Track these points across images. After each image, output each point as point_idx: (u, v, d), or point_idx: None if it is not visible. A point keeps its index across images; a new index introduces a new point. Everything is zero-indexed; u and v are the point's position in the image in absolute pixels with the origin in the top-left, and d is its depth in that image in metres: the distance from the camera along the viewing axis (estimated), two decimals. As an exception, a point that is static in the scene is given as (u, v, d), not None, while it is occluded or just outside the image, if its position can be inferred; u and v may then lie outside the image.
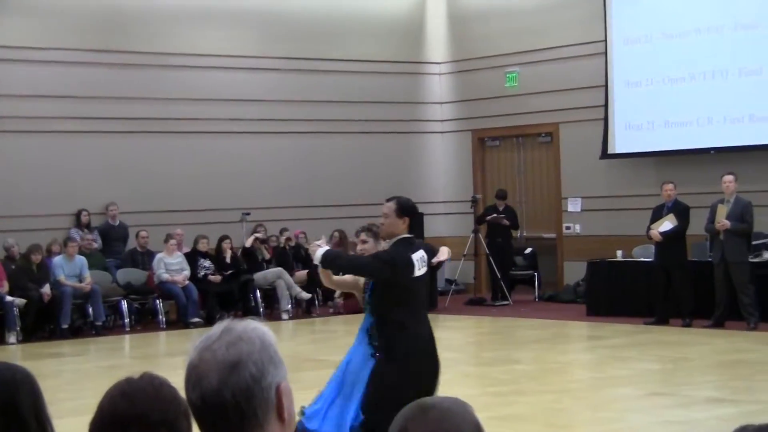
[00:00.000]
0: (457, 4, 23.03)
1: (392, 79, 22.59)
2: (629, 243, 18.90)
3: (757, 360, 13.52)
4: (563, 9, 21.43)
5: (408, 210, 7.75)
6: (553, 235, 21.73)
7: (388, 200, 7.96)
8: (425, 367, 7.47)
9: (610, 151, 20.51)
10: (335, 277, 8.04)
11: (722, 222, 15.94)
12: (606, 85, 20.43)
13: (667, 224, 16.72)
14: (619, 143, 20.44)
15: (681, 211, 16.79)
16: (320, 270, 7.82)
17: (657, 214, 17.00)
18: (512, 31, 21.87)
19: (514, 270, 20.54)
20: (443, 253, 7.85)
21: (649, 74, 19.99)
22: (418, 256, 7.46)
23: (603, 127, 20.47)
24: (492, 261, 20.15)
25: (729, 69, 18.96)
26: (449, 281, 21.34)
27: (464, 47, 22.90)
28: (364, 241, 8.03)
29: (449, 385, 11.83)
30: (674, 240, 16.64)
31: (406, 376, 7.28)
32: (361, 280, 7.77)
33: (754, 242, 16.81)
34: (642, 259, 17.97)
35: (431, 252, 7.76)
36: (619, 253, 18.69)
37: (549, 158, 22.08)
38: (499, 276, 20.05)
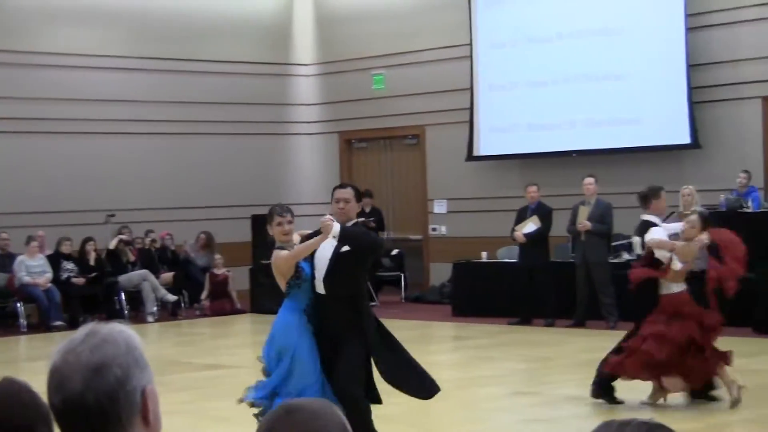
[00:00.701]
0: (324, 6, 23.05)
1: (259, 80, 22.51)
2: (494, 244, 19.11)
3: None
4: (430, 13, 21.59)
5: (362, 194, 8.05)
6: (419, 237, 21.87)
7: (341, 186, 8.18)
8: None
9: (475, 153, 20.73)
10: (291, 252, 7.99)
11: (583, 223, 16.24)
12: (471, 89, 20.64)
13: (530, 226, 16.95)
14: (484, 146, 20.66)
15: (544, 213, 17.04)
16: (293, 253, 7.81)
17: (521, 216, 17.23)
18: (379, 33, 21.99)
19: (381, 271, 20.60)
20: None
21: (514, 78, 20.22)
22: None
23: (468, 129, 20.70)
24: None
25: (591, 73, 19.31)
26: (316, 283, 21.32)
27: (331, 49, 22.93)
28: (290, 222, 8.05)
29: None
30: (537, 241, 16.87)
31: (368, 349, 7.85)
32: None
33: (614, 243, 17.14)
34: (506, 260, 18.19)
35: None
36: (483, 254, 18.90)
37: (415, 160, 22.21)
38: (367, 277, 20.06)
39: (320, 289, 7.88)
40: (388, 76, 22.24)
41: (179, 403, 10.41)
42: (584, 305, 16.46)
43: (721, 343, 14.34)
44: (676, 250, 10.17)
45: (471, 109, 20.64)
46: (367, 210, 20.64)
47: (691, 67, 18.15)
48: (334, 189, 8.23)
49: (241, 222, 20.67)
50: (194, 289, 19.77)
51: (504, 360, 13.89)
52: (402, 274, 21.12)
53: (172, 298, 18.94)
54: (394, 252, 21.34)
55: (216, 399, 11.23)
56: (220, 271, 19.58)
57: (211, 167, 21.57)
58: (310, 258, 7.87)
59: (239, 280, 19.96)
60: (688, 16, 18.16)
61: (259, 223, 20.30)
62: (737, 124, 18.23)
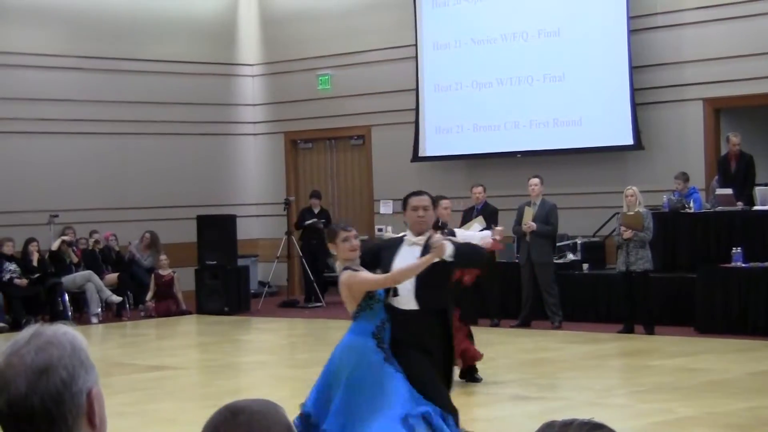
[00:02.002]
0: (269, 6, 23.06)
1: (204, 80, 22.46)
2: (440, 245, 19.13)
3: (561, 358, 13.94)
4: (375, 13, 21.67)
5: (435, 201, 7.60)
6: (365, 237, 21.88)
7: (418, 193, 7.61)
8: None
9: (420, 154, 20.83)
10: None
11: (528, 224, 16.35)
12: (417, 89, 20.74)
13: (476, 226, 16.98)
14: (430, 146, 20.77)
15: (490, 214, 17.10)
16: (393, 277, 7.21)
17: (467, 217, 17.29)
18: (325, 34, 22.03)
19: (327, 272, 20.63)
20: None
21: (459, 79, 20.34)
22: None
23: (414, 130, 20.80)
24: (305, 263, 20.23)
25: (534, 75, 19.46)
26: (262, 283, 21.36)
27: (277, 49, 22.94)
28: (356, 237, 7.48)
29: (260, 388, 11.85)
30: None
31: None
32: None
33: (558, 243, 17.33)
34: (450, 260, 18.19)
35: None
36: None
37: (361, 161, 22.31)
38: (313, 278, 20.14)
39: (409, 305, 7.31)
40: (333, 77, 22.28)
41: (124, 405, 10.39)
42: (529, 305, 16.58)
43: (665, 342, 14.62)
44: None
45: (416, 109, 20.75)
46: (316, 211, 20.72)
47: (634, 68, 18.34)
48: (410, 196, 7.53)
49: (186, 222, 20.63)
50: (139, 290, 19.68)
51: None
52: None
53: (116, 299, 18.83)
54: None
55: (161, 400, 11.24)
56: (165, 271, 19.50)
57: (156, 168, 21.50)
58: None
59: (185, 280, 19.90)
60: (631, 18, 18.36)
61: (205, 224, 20.42)
62: (679, 125, 18.46)
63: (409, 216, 7.38)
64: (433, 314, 7.35)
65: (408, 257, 7.24)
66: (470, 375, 11.80)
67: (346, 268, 7.19)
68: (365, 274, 7.18)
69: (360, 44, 21.74)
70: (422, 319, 7.30)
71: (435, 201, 7.94)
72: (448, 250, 7.08)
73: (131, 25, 21.38)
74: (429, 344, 7.28)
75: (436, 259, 7.01)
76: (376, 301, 7.17)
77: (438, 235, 7.42)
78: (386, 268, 7.28)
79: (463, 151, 20.43)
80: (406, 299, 7.27)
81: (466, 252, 7.43)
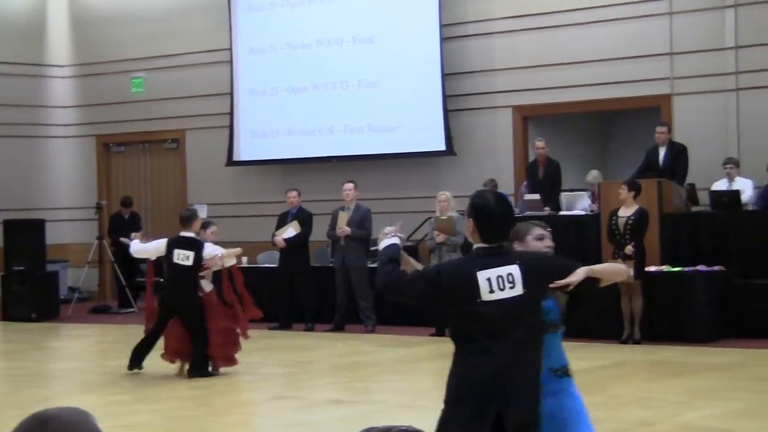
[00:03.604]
0: (79, 6, 22.60)
1: (12, 81, 21.87)
2: (255, 249, 19.11)
3: (375, 362, 14.03)
4: (189, 16, 21.49)
5: (474, 210, 5.46)
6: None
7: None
8: None
9: (235, 158, 20.76)
10: None
11: (343, 228, 16.44)
12: (231, 93, 20.67)
13: (290, 231, 17.04)
14: (245, 151, 20.71)
15: (304, 218, 17.17)
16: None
17: (282, 221, 17.33)
18: (138, 36, 21.75)
19: (140, 277, 20.31)
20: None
21: (274, 83, 20.34)
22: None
23: (229, 134, 20.72)
24: (117, 268, 19.88)
25: (349, 80, 19.59)
26: (72, 289, 20.89)
27: (89, 51, 22.51)
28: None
29: (70, 396, 11.57)
30: (298, 246, 16.98)
31: None
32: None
33: (372, 248, 17.41)
34: (266, 265, 18.24)
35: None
36: (244, 259, 18.86)
37: (175, 165, 22.08)
38: (125, 283, 19.81)
39: None
40: (147, 80, 22.03)
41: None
42: (343, 309, 16.65)
43: None
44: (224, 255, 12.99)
45: (231, 113, 20.68)
46: (126, 217, 20.34)
47: (446, 76, 18.62)
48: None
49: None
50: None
51: (264, 365, 13.91)
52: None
53: None
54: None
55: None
56: (-31, 278, 18.93)
57: (-39, 170, 20.86)
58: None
59: (-10, 287, 19.37)
60: (443, 26, 18.63)
61: (12, 229, 19.85)
62: (490, 132, 18.81)
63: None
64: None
65: None
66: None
67: None
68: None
69: (174, 47, 21.53)
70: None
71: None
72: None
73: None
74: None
75: None
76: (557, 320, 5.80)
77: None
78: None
79: (278, 155, 20.43)
80: None
81: None
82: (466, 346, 5.31)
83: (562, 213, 16.64)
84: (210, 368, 12.58)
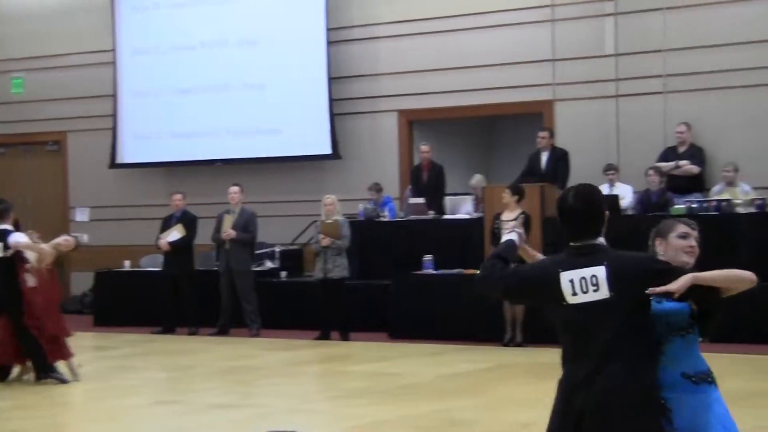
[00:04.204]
0: (-41, 4, 22.13)
1: None
2: (138, 252, 18.98)
3: (259, 365, 13.98)
4: (72, 17, 21.23)
5: (557, 208, 5.18)
6: (60, 245, 21.36)
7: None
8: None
9: (118, 160, 20.56)
10: None
11: (228, 232, 16.37)
12: (114, 95, 20.46)
13: (174, 234, 16.92)
14: (128, 153, 20.51)
15: (189, 221, 17.06)
16: None
17: (166, 224, 17.18)
18: (18, 35, 21.44)
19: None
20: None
21: (158, 85, 20.19)
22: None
23: (112, 136, 20.48)
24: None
25: (234, 83, 19.55)
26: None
27: (-33, 50, 22.05)
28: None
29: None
30: (182, 249, 16.88)
31: None
32: None
33: (257, 251, 17.43)
34: (150, 269, 18.11)
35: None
36: (126, 263, 18.71)
37: (56, 167, 21.77)
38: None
39: None
40: (27, 80, 21.71)
41: None
42: (228, 313, 16.60)
43: (360, 348, 14.88)
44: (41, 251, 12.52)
45: (114, 115, 20.46)
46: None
47: (332, 80, 18.70)
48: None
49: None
50: None
51: (146, 370, 13.80)
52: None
53: None
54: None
55: None
56: None
57: None
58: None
59: None
60: (329, 30, 18.69)
61: None
62: (375, 136, 18.94)
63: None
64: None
65: None
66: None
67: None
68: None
69: (56, 47, 21.24)
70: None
71: None
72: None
73: None
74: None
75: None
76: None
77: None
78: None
79: (163, 158, 20.27)
80: None
81: None
82: (562, 350, 5.00)
83: (446, 217, 16.82)
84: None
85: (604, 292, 4.78)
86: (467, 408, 10.39)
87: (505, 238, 5.21)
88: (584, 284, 4.81)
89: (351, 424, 9.80)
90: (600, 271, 4.79)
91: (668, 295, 4.73)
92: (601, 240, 4.92)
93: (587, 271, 4.81)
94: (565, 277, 4.83)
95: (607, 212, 4.97)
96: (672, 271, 4.77)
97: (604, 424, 4.77)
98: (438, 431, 9.43)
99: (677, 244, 5.23)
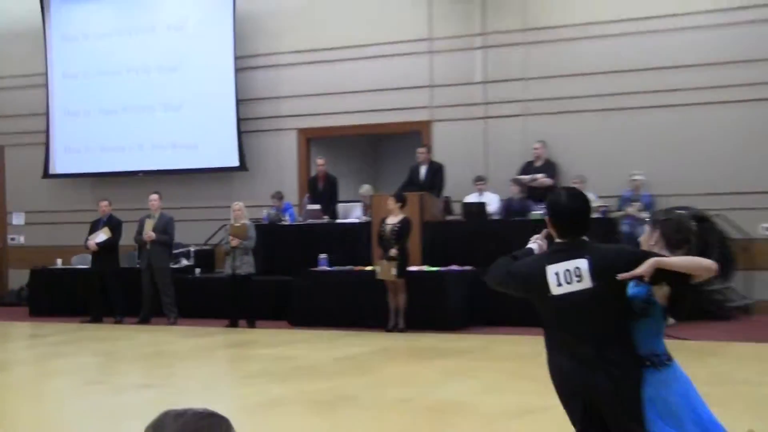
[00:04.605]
0: None
1: None
2: (69, 252, 18.71)
3: (176, 350, 13.84)
4: (6, 42, 20.86)
5: (548, 207, 4.96)
6: (-1, 246, 21.00)
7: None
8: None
9: (51, 171, 20.22)
10: None
11: (149, 234, 16.25)
12: (47, 113, 20.12)
13: (101, 236, 16.73)
14: (60, 165, 20.19)
15: (114, 225, 16.85)
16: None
17: (94, 227, 16.97)
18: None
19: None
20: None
21: (87, 105, 19.89)
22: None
23: (45, 150, 20.17)
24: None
25: (154, 104, 19.33)
26: None
27: None
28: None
29: None
30: (108, 249, 16.68)
31: None
32: None
33: (174, 251, 17.25)
34: (80, 266, 17.84)
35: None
36: (59, 261, 18.47)
37: (-5, 176, 21.32)
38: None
39: None
40: (-31, 99, 21.24)
41: None
42: (149, 305, 16.44)
43: (265, 334, 14.82)
44: None
45: (47, 131, 20.13)
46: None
47: (240, 101, 18.61)
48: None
49: None
50: None
51: (76, 355, 13.57)
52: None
53: None
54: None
55: None
56: None
57: None
58: None
59: None
60: (237, 58, 18.60)
61: None
62: (277, 151, 18.86)
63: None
64: None
65: None
66: None
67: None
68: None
69: None
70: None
71: None
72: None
73: None
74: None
75: None
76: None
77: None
78: None
79: (91, 169, 19.96)
80: None
81: None
82: (548, 337, 4.82)
83: (338, 221, 16.84)
84: None
85: (586, 283, 4.61)
86: (356, 385, 10.34)
87: (529, 245, 4.98)
88: (568, 276, 4.64)
89: (255, 400, 9.75)
90: (583, 263, 4.63)
91: (640, 280, 4.52)
92: (586, 237, 4.76)
93: (571, 264, 4.65)
94: (551, 270, 4.67)
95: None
96: (645, 256, 4.56)
97: (617, 398, 4.57)
98: (329, 405, 9.39)
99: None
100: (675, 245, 4.71)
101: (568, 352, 4.68)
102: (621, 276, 4.50)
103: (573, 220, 4.76)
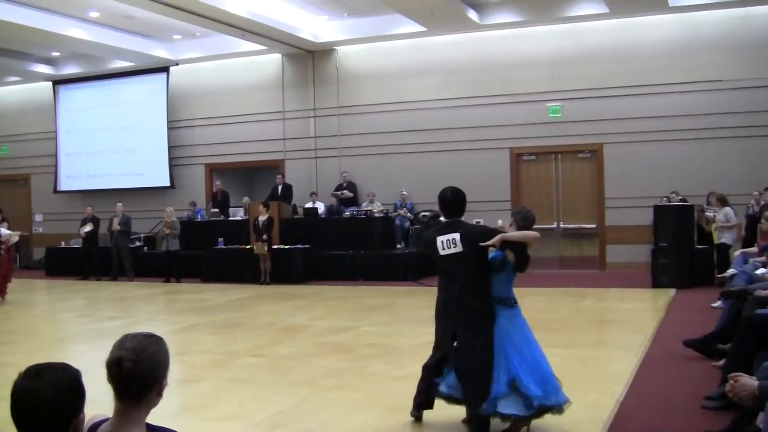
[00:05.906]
0: None
1: None
2: (69, 237, 17.79)
3: (133, 296, 12.87)
4: (32, 112, 19.74)
5: (438, 198, 4.66)
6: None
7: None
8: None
9: (58, 189, 19.30)
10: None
11: (115, 227, 15.57)
12: (56, 154, 19.19)
13: (88, 227, 15.97)
14: (63, 185, 19.28)
15: (95, 221, 16.11)
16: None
17: (83, 222, 16.11)
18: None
19: None
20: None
21: (79, 150, 18.86)
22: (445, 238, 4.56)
23: (54, 175, 19.24)
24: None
25: (120, 148, 18.48)
26: None
27: None
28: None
29: None
30: (92, 235, 15.94)
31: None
32: None
33: (132, 236, 16.34)
34: (76, 246, 16.84)
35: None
36: (62, 243, 17.65)
37: (25, 195, 20.37)
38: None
39: None
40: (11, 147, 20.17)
41: None
42: (116, 269, 15.59)
43: (184, 287, 13.76)
44: None
45: (56, 165, 19.25)
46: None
47: (171, 147, 18.01)
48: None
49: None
50: None
51: (73, 299, 12.56)
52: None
53: None
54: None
55: None
56: None
57: None
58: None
59: None
60: (169, 120, 17.95)
61: None
62: (192, 176, 18.04)
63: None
64: None
65: None
66: None
67: None
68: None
69: (22, 129, 19.98)
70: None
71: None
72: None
73: None
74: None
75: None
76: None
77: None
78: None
79: (81, 188, 18.94)
80: None
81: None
82: (438, 281, 4.62)
83: (230, 218, 16.08)
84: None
85: (459, 248, 4.47)
86: (243, 317, 9.82)
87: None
88: (448, 243, 4.47)
89: (181, 326, 9.26)
90: (457, 236, 4.48)
91: (493, 247, 4.43)
92: (462, 218, 4.55)
93: (450, 236, 4.48)
94: (440, 240, 4.50)
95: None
96: (495, 233, 4.47)
97: (468, 324, 4.41)
98: (226, 329, 8.84)
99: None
100: (522, 227, 4.55)
101: (445, 290, 4.52)
102: (482, 243, 4.40)
103: (453, 207, 4.55)
